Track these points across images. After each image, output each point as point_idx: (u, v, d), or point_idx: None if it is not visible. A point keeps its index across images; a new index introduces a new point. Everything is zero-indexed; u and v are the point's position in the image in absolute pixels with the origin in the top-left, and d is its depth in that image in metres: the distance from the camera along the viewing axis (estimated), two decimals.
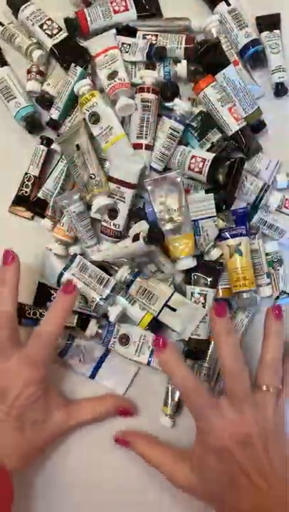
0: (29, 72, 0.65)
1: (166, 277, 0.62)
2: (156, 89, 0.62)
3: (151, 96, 0.62)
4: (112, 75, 0.62)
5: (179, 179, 0.60)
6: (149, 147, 0.62)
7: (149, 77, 0.62)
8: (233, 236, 0.61)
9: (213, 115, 0.62)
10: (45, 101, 0.65)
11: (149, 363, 0.61)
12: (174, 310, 0.59)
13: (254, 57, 0.66)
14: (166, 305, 0.59)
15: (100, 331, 0.60)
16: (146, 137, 0.62)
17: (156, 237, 0.56)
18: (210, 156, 0.60)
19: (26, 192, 0.65)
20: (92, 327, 0.60)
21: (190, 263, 0.60)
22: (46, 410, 0.55)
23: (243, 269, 0.60)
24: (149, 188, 0.60)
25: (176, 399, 0.61)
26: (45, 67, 0.67)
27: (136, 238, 0.57)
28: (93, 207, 0.60)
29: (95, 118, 0.61)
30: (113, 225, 0.61)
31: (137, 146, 0.62)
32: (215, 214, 0.60)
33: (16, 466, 0.52)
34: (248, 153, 0.63)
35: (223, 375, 0.53)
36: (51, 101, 0.65)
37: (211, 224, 0.61)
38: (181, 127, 0.62)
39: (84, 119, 0.62)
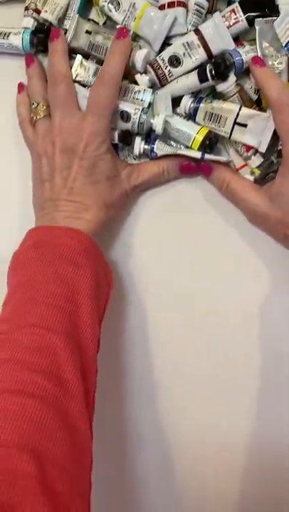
0: (27, 9, 0.62)
1: None
2: None
3: None
4: None
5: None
6: (183, 4, 0.57)
7: None
8: None
9: None
10: (44, 28, 0.61)
11: (202, 159, 0.57)
12: (245, 126, 0.55)
13: None
14: (235, 123, 0.55)
15: (146, 146, 0.58)
16: None
17: (224, 71, 0.54)
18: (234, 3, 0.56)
19: None
20: (139, 144, 0.57)
21: None
22: (115, 165, 0.56)
23: None
24: (257, 27, 0.54)
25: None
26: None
27: (202, 70, 0.55)
28: (138, 61, 0.57)
29: (116, 3, 0.58)
30: (168, 71, 0.57)
31: (170, 5, 0.57)
32: None
33: (97, 218, 0.54)
34: None
35: None
36: (49, 28, 0.60)
37: None
38: (206, 3, 0.58)
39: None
